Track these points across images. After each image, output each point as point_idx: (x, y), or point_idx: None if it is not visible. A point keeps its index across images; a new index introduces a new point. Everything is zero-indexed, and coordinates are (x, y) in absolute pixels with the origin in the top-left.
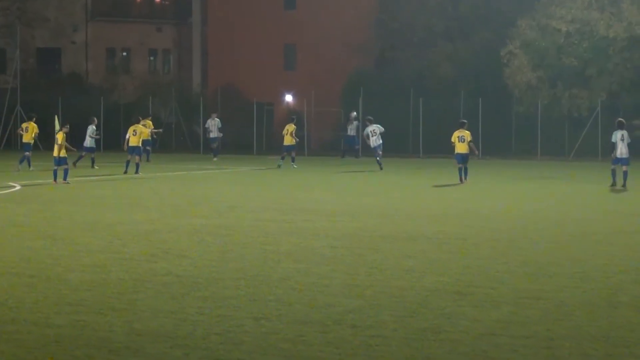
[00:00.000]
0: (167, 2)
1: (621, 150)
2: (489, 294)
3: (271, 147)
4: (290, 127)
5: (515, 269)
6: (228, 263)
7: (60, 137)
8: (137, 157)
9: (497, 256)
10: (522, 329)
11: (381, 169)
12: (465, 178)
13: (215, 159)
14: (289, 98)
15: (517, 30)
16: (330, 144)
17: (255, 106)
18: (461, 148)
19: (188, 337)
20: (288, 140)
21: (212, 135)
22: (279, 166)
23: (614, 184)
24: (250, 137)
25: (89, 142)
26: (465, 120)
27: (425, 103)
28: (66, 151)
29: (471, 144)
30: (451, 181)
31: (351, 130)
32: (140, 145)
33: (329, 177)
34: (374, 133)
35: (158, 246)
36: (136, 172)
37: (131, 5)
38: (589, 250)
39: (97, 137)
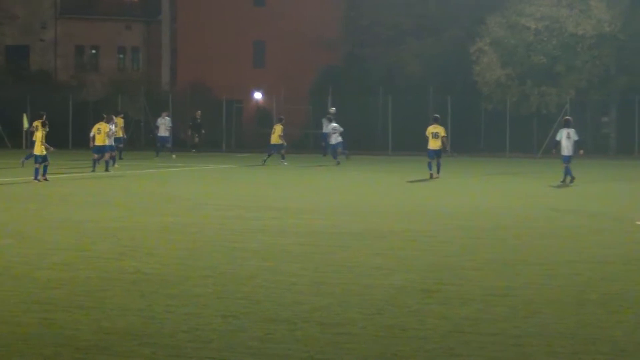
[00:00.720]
0: (136, 0)
1: (567, 147)
2: (456, 291)
3: (240, 144)
4: (278, 128)
5: (483, 266)
6: (196, 261)
7: (39, 134)
8: (106, 155)
9: (464, 253)
10: (490, 326)
11: (338, 163)
12: (438, 172)
13: (173, 156)
14: (258, 95)
15: (486, 27)
16: (300, 142)
17: (224, 103)
18: (434, 144)
19: (156, 335)
20: (274, 140)
21: (159, 133)
22: (284, 164)
23: (573, 179)
24: (220, 134)
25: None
26: (438, 115)
27: (394, 100)
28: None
29: (444, 138)
30: (420, 178)
31: (327, 127)
32: (107, 143)
33: (297, 174)
34: (335, 130)
35: (126, 244)
36: (106, 169)
37: (100, 2)
38: (557, 247)
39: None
